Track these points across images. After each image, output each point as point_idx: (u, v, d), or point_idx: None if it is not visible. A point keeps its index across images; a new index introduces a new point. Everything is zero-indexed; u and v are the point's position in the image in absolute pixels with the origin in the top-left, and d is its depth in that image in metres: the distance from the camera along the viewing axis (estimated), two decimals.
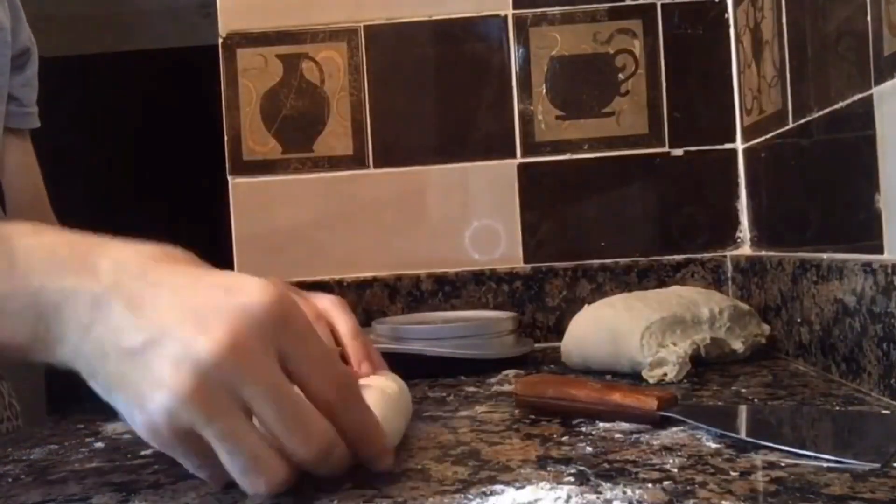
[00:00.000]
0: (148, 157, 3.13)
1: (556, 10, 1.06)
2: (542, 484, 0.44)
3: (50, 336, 0.43)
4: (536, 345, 0.95)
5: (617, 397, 0.58)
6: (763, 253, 0.95)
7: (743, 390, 0.68)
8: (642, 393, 0.58)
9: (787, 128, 0.83)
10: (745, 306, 0.83)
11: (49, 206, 0.88)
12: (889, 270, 0.59)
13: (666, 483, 0.44)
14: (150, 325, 0.42)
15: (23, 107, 0.86)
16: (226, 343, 0.41)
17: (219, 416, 0.41)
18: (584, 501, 0.42)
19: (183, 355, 0.41)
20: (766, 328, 0.83)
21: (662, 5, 1.06)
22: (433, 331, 0.85)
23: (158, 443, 0.43)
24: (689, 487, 0.43)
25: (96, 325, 0.43)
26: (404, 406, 0.58)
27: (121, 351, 0.42)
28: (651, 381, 0.73)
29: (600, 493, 0.43)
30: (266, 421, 0.42)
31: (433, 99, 1.08)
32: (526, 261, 1.06)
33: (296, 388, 0.44)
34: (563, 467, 0.48)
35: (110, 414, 0.69)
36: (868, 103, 0.64)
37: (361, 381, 0.54)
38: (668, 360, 0.74)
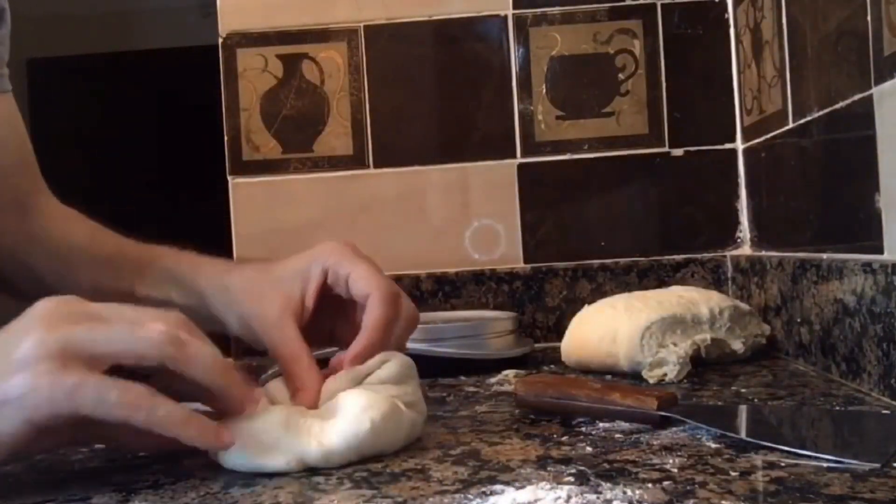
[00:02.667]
0: (148, 157, 3.13)
1: (556, 10, 1.06)
2: (542, 484, 0.44)
3: None
4: (536, 345, 0.95)
5: (617, 397, 0.58)
6: (763, 253, 0.95)
7: (743, 390, 0.68)
8: (642, 393, 0.58)
9: (787, 128, 0.83)
10: (745, 306, 0.83)
11: (37, 169, 0.85)
12: (889, 270, 0.59)
13: (666, 483, 0.44)
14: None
15: None
16: (41, 328, 0.46)
17: (75, 321, 0.46)
18: (584, 501, 0.42)
19: (21, 326, 0.46)
20: (767, 328, 0.83)
21: (662, 5, 1.06)
22: (433, 331, 0.85)
23: (48, 388, 0.44)
24: (689, 487, 0.43)
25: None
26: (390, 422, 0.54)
27: None
28: (651, 381, 0.73)
29: (600, 493, 0.43)
30: (108, 350, 0.46)
31: (433, 99, 1.08)
32: (526, 261, 1.06)
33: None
34: (563, 467, 0.48)
35: None
36: (868, 103, 0.64)
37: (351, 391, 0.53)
38: (668, 360, 0.74)
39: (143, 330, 0.46)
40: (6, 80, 0.87)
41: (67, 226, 0.76)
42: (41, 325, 0.46)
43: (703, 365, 0.77)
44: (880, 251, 0.63)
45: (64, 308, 0.47)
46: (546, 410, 0.61)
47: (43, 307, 0.47)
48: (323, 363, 0.57)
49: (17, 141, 0.83)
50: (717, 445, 0.50)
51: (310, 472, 0.50)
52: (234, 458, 0.50)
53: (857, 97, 0.66)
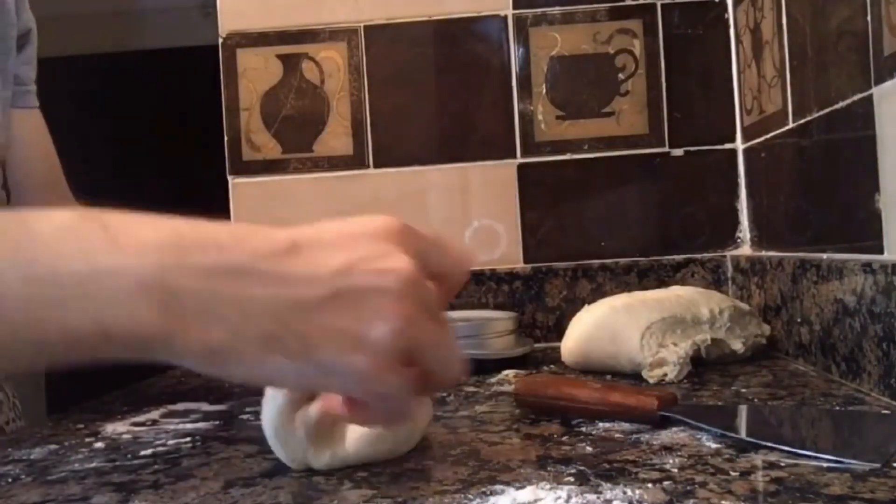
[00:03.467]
0: (148, 157, 3.13)
1: (556, 10, 1.06)
2: (542, 484, 0.44)
3: (188, 321, 0.38)
4: (536, 345, 0.95)
5: (617, 397, 0.58)
6: (763, 253, 0.95)
7: (743, 390, 0.68)
8: (642, 393, 0.58)
9: (787, 128, 0.83)
10: (745, 306, 0.83)
11: (65, 183, 0.86)
12: (889, 270, 0.59)
13: (666, 483, 0.44)
14: (314, 276, 0.40)
15: (23, 85, 0.85)
16: (408, 262, 0.42)
17: (427, 324, 0.43)
18: (584, 501, 0.42)
19: (382, 283, 0.41)
20: (767, 328, 0.83)
21: (662, 5, 1.06)
22: None
23: (381, 381, 0.41)
24: (689, 487, 0.43)
25: (256, 294, 0.39)
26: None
27: (303, 307, 0.40)
28: (651, 381, 0.73)
29: (600, 493, 0.43)
30: (429, 364, 0.43)
31: (433, 99, 1.08)
32: (526, 261, 1.06)
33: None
34: (563, 467, 0.48)
35: (110, 414, 0.69)
36: (868, 103, 0.64)
37: None
38: (668, 360, 0.74)
39: (453, 371, 0.45)
40: (34, 97, 0.88)
41: None
42: (401, 309, 0.41)
43: (702, 365, 0.77)
44: (880, 251, 0.63)
45: (421, 293, 0.43)
46: (546, 410, 0.61)
47: (406, 281, 0.42)
48: None
49: (45, 157, 0.85)
50: (717, 445, 0.50)
51: (310, 472, 0.50)
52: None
53: (857, 97, 0.66)
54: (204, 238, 0.40)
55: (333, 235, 0.42)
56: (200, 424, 0.66)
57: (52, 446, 0.61)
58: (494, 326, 0.87)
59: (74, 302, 0.37)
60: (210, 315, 0.38)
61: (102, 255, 0.38)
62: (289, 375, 0.41)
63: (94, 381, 0.81)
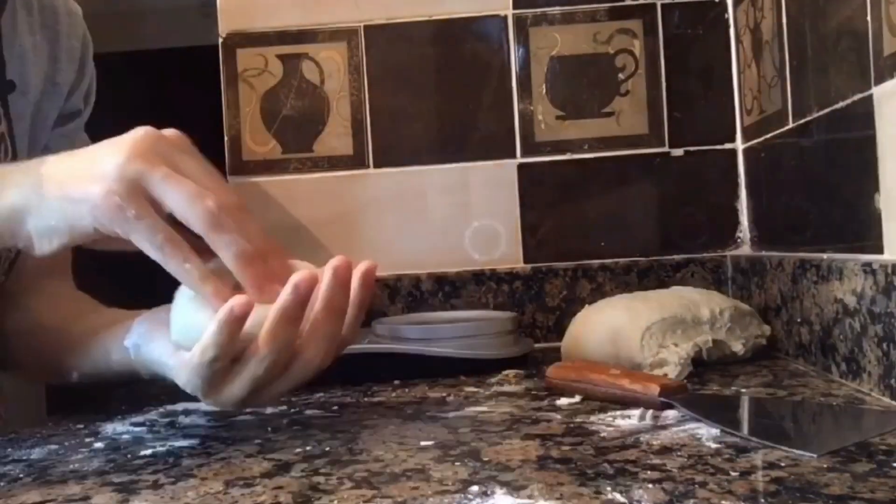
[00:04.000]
0: None
1: (556, 10, 1.06)
2: (542, 484, 0.44)
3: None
4: (536, 345, 0.95)
5: (626, 382, 0.63)
6: (763, 253, 0.95)
7: (743, 390, 0.68)
8: (650, 379, 0.63)
9: (787, 128, 0.83)
10: (745, 307, 0.83)
11: (69, 271, 0.87)
12: (889, 270, 0.59)
13: (666, 483, 0.44)
14: (74, 155, 0.58)
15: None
16: (150, 131, 0.57)
17: (160, 164, 0.54)
18: (584, 502, 0.42)
19: (121, 139, 0.56)
20: (767, 329, 0.83)
21: (662, 5, 1.06)
22: (433, 331, 0.85)
23: (117, 204, 0.53)
24: (689, 487, 0.43)
25: (41, 169, 0.57)
26: None
27: (66, 163, 0.57)
28: None
29: (600, 493, 0.43)
30: (167, 199, 0.54)
31: (433, 99, 1.08)
32: (526, 261, 1.06)
33: None
34: (563, 467, 0.48)
35: (110, 414, 0.69)
36: (868, 103, 0.64)
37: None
38: (668, 360, 0.74)
39: (200, 202, 0.54)
40: None
41: (51, 312, 0.81)
42: (130, 149, 0.54)
43: (703, 365, 0.77)
44: (880, 251, 0.63)
45: (156, 144, 0.56)
46: (569, 390, 0.68)
47: (141, 135, 0.56)
48: None
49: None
50: (718, 445, 0.50)
51: (310, 472, 0.50)
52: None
53: (857, 97, 0.66)
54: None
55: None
56: (200, 424, 0.66)
57: (52, 446, 0.61)
58: (494, 326, 0.87)
59: None
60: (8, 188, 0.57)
61: None
62: (62, 217, 0.55)
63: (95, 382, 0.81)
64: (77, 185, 0.54)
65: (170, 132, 0.58)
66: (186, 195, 0.54)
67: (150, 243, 0.54)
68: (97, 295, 0.82)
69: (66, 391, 0.88)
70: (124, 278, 1.24)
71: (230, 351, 0.55)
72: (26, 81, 0.78)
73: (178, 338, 0.59)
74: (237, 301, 0.53)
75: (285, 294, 0.55)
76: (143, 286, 0.80)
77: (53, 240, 0.56)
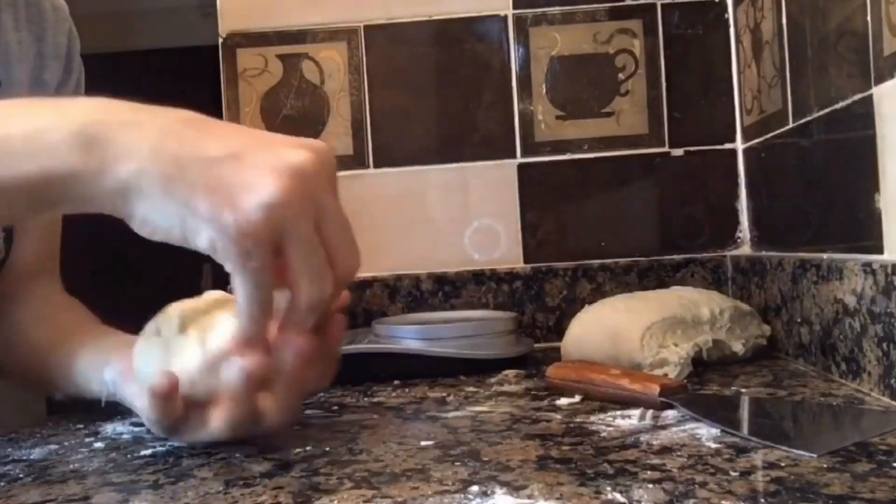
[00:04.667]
0: None
1: (556, 10, 1.06)
2: (542, 484, 0.44)
3: (106, 160, 0.47)
4: (536, 345, 0.95)
5: (626, 382, 0.63)
6: (763, 253, 0.95)
7: (743, 390, 0.68)
8: (650, 379, 0.63)
9: (787, 128, 0.83)
10: (745, 307, 0.83)
11: (57, 271, 0.86)
12: (889, 270, 0.59)
13: (666, 483, 0.44)
14: (228, 142, 0.49)
15: None
16: (312, 157, 0.49)
17: (307, 218, 0.48)
18: (584, 502, 0.42)
19: (279, 163, 0.47)
20: (767, 329, 0.83)
21: (662, 5, 1.06)
22: (433, 331, 0.85)
23: (241, 244, 0.47)
24: (689, 487, 0.43)
25: (168, 143, 0.48)
26: None
27: (204, 160, 0.48)
28: None
29: (600, 493, 0.43)
30: (295, 261, 0.49)
31: (433, 99, 1.08)
32: (526, 261, 1.06)
33: None
34: (563, 467, 0.48)
35: (110, 414, 0.69)
36: (868, 103, 0.64)
37: None
38: (669, 360, 0.74)
39: (318, 286, 0.50)
40: None
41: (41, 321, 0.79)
42: (285, 187, 0.47)
43: (702, 365, 0.77)
44: (880, 251, 0.63)
45: (312, 182, 0.49)
46: (569, 390, 0.68)
47: (303, 164, 0.48)
48: None
49: (45, 240, 0.83)
50: (718, 445, 0.50)
51: (310, 472, 0.50)
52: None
53: (857, 97, 0.66)
54: (131, 105, 0.50)
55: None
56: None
57: (52, 446, 0.61)
58: (494, 326, 0.87)
59: (24, 154, 0.47)
60: (124, 156, 0.47)
61: (46, 118, 0.49)
62: (173, 219, 0.48)
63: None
64: (211, 203, 0.47)
65: (326, 155, 0.51)
66: (312, 273, 0.50)
67: (245, 290, 0.49)
68: (87, 293, 0.81)
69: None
70: (118, 276, 1.24)
71: (172, 416, 0.54)
72: (12, 78, 0.77)
73: (142, 380, 0.57)
74: (161, 381, 0.52)
75: (250, 362, 0.51)
76: (133, 285, 0.80)
77: (157, 234, 0.49)
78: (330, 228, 0.50)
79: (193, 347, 0.54)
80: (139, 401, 0.58)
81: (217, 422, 0.54)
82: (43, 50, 0.81)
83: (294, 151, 0.48)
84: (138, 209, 0.48)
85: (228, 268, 0.48)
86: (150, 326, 0.58)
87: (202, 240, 0.48)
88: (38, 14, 0.81)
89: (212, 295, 0.59)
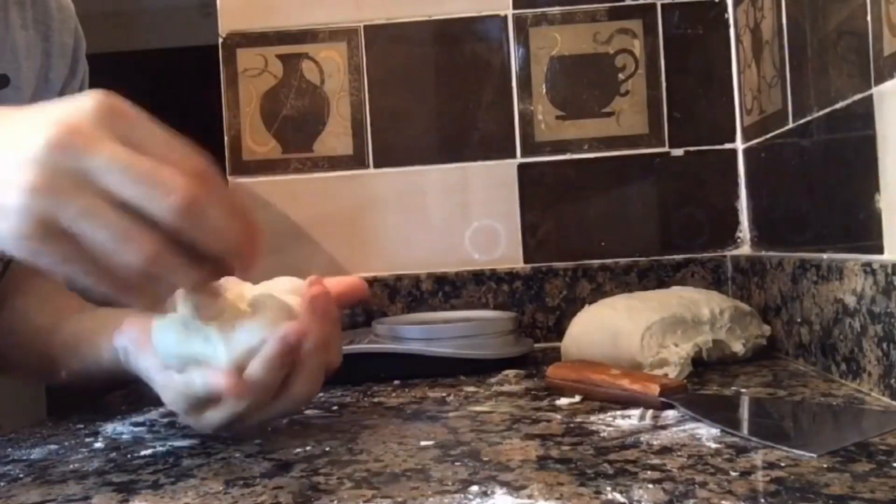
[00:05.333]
0: None
1: (556, 10, 1.06)
2: (542, 484, 0.44)
3: None
4: (536, 345, 0.95)
5: (626, 382, 0.63)
6: (763, 253, 0.95)
7: (743, 390, 0.68)
8: (650, 380, 0.63)
9: (787, 128, 0.83)
10: (745, 307, 0.83)
11: None
12: (889, 270, 0.59)
13: (666, 483, 0.44)
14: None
15: None
16: (59, 131, 0.43)
17: (72, 196, 0.43)
18: (584, 502, 0.42)
19: (20, 154, 0.43)
20: (767, 329, 0.83)
21: (662, 5, 1.06)
22: (433, 331, 0.85)
23: (33, 249, 0.44)
24: (689, 487, 0.43)
25: None
26: None
27: None
28: None
29: (600, 493, 0.43)
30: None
31: (433, 99, 1.08)
32: (526, 261, 1.06)
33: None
34: (563, 467, 0.48)
35: (110, 414, 0.69)
36: (868, 103, 0.64)
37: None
38: (669, 360, 0.74)
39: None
40: None
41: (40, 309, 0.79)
42: (39, 175, 0.42)
43: (702, 365, 0.77)
44: (880, 251, 0.63)
45: (105, 115, 0.44)
46: (569, 390, 0.68)
47: (90, 103, 0.44)
48: None
49: None
50: (718, 445, 0.50)
51: (310, 472, 0.50)
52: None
53: (857, 97, 0.66)
54: None
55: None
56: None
57: (52, 446, 0.61)
58: (494, 326, 0.87)
59: None
60: None
61: None
62: None
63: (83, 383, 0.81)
64: None
65: (91, 107, 0.44)
66: (111, 239, 0.43)
67: (83, 283, 0.45)
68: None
69: (67, 391, 0.88)
70: None
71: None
72: (20, 77, 0.77)
73: (164, 360, 0.57)
74: (231, 382, 0.52)
75: (272, 345, 0.53)
76: None
77: None
78: (121, 177, 0.43)
79: (218, 345, 0.54)
80: (159, 376, 0.57)
81: (238, 401, 0.54)
82: (49, 49, 0.81)
83: (40, 131, 0.43)
84: None
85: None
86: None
87: (7, 251, 0.45)
88: (44, 13, 0.81)
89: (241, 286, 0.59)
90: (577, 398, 0.67)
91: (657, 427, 0.56)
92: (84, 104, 0.45)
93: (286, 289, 0.59)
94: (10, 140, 0.44)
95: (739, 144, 1.04)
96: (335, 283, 0.61)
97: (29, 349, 0.77)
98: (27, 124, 0.45)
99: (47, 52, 0.81)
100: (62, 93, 0.84)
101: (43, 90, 0.81)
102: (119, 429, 0.66)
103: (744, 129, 1.03)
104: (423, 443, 0.55)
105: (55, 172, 0.43)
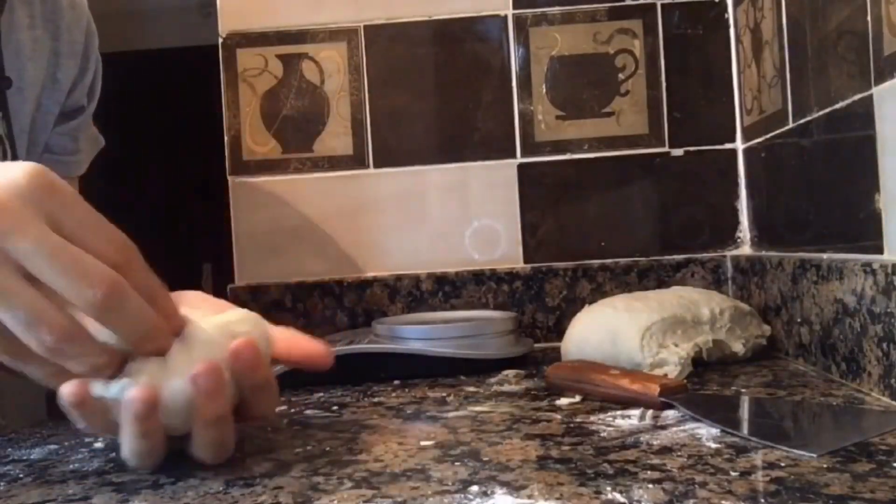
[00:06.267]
0: (148, 157, 3.13)
1: (556, 10, 1.06)
2: (542, 484, 0.44)
3: None
4: (536, 345, 0.95)
5: (626, 382, 0.63)
6: (763, 253, 0.95)
7: (743, 390, 0.68)
8: (650, 379, 0.63)
9: (787, 128, 0.83)
10: (745, 307, 0.83)
11: None
12: (889, 270, 0.59)
13: (666, 483, 0.44)
14: None
15: (54, 154, 0.83)
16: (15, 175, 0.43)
17: (18, 233, 0.42)
18: (584, 502, 0.42)
19: None
20: (767, 329, 0.83)
21: (662, 5, 1.06)
22: (433, 331, 0.85)
23: None
24: (689, 487, 0.43)
25: None
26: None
27: None
28: None
29: (600, 493, 0.43)
30: (42, 273, 0.43)
31: (433, 99, 1.08)
32: (526, 261, 1.06)
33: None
34: (563, 467, 0.48)
35: None
36: (868, 103, 0.64)
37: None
38: (668, 360, 0.74)
39: (86, 279, 0.43)
40: (69, 166, 0.86)
41: None
42: (2, 192, 0.43)
43: (702, 365, 0.77)
44: (880, 251, 0.63)
45: (35, 191, 0.44)
46: (569, 390, 0.69)
47: (21, 177, 0.44)
48: None
49: None
50: (718, 445, 0.50)
51: (310, 472, 0.50)
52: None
53: (857, 97, 0.66)
54: None
55: None
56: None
57: (52, 446, 0.61)
58: (494, 326, 0.87)
59: None
60: None
61: None
62: None
63: None
64: None
65: (22, 176, 0.44)
66: (62, 268, 0.43)
67: (20, 325, 0.44)
68: None
69: None
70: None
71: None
72: (23, 77, 0.77)
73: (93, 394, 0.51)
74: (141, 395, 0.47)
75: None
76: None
77: None
78: (67, 228, 0.44)
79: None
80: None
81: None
82: (58, 48, 0.81)
83: None
84: None
85: None
86: None
87: None
88: (54, 11, 0.81)
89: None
90: (577, 398, 0.67)
91: (657, 427, 0.56)
92: (15, 177, 0.44)
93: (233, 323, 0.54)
94: None
95: (739, 144, 1.04)
96: (299, 344, 0.57)
97: None
98: None
99: (56, 51, 0.81)
100: (71, 92, 0.83)
101: (50, 90, 0.80)
102: None
103: (744, 129, 1.03)
104: (423, 443, 0.55)
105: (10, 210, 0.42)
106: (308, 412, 0.68)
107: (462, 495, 0.43)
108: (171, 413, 0.48)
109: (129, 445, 0.49)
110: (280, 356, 0.55)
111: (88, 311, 0.44)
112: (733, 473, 0.45)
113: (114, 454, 0.58)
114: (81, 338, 0.45)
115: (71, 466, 0.55)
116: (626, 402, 0.63)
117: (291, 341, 0.57)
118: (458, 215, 1.07)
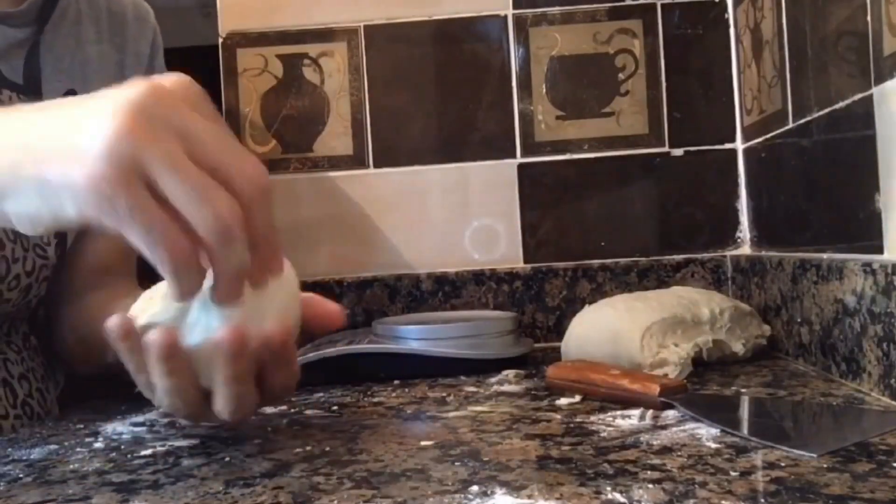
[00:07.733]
0: None
1: (556, 10, 1.06)
2: (542, 484, 0.44)
3: None
4: (536, 345, 0.95)
5: (626, 382, 0.63)
6: (763, 253, 0.95)
7: (743, 390, 0.68)
8: (650, 379, 0.63)
9: (787, 128, 0.83)
10: (745, 307, 0.83)
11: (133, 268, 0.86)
12: (889, 270, 0.59)
13: (666, 483, 0.44)
14: (66, 110, 0.47)
15: None
16: (154, 88, 0.45)
17: (162, 140, 0.44)
18: (584, 502, 0.42)
19: (113, 104, 0.44)
20: (767, 329, 0.83)
21: (662, 5, 1.06)
22: (433, 331, 0.85)
23: (107, 195, 0.43)
24: (689, 487, 0.43)
25: (9, 131, 0.47)
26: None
27: (46, 132, 0.46)
28: None
29: (600, 493, 0.43)
30: (171, 191, 0.44)
31: (433, 99, 1.08)
32: (526, 261, 1.06)
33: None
34: (563, 467, 0.48)
35: (110, 414, 0.69)
36: (868, 103, 0.64)
37: None
38: (669, 360, 0.74)
39: (208, 205, 0.44)
40: None
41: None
42: (123, 117, 0.44)
43: (702, 365, 0.77)
44: (880, 251, 0.63)
45: (158, 105, 0.45)
46: (569, 390, 0.69)
47: (139, 95, 0.45)
48: None
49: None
50: (718, 445, 0.50)
51: (310, 472, 0.50)
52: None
53: (857, 97, 0.66)
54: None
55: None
56: (201, 424, 0.66)
57: (52, 446, 0.61)
58: (494, 326, 0.87)
59: None
60: None
61: None
62: (37, 203, 0.45)
63: (95, 382, 0.81)
64: (55, 165, 0.44)
65: (176, 82, 0.47)
66: (193, 193, 0.44)
67: (144, 242, 0.45)
68: None
69: (66, 391, 0.88)
70: None
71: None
72: (88, 91, 0.78)
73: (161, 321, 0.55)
74: (231, 335, 0.51)
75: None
76: None
77: (37, 226, 0.47)
78: (203, 148, 0.46)
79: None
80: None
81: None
82: (124, 60, 0.83)
83: (130, 89, 0.45)
84: (10, 208, 0.46)
85: (113, 228, 0.45)
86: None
87: (69, 211, 0.44)
88: (120, 25, 0.83)
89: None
90: (577, 398, 0.67)
91: (657, 427, 0.56)
92: (180, 77, 0.48)
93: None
94: (106, 93, 0.46)
95: (739, 144, 1.04)
96: (315, 302, 0.61)
97: (87, 338, 0.76)
98: (125, 86, 0.46)
99: (121, 64, 0.83)
100: None
101: None
102: (119, 429, 0.66)
103: (744, 129, 1.03)
104: (423, 443, 0.55)
105: (141, 116, 0.44)
106: (308, 412, 0.68)
107: (462, 495, 0.43)
108: (195, 363, 0.52)
109: (160, 384, 0.53)
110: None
111: (204, 237, 0.45)
112: (733, 473, 0.45)
113: (114, 454, 0.58)
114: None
115: (71, 466, 0.55)
116: (626, 402, 0.63)
117: (308, 299, 0.60)
118: (458, 215, 1.07)
